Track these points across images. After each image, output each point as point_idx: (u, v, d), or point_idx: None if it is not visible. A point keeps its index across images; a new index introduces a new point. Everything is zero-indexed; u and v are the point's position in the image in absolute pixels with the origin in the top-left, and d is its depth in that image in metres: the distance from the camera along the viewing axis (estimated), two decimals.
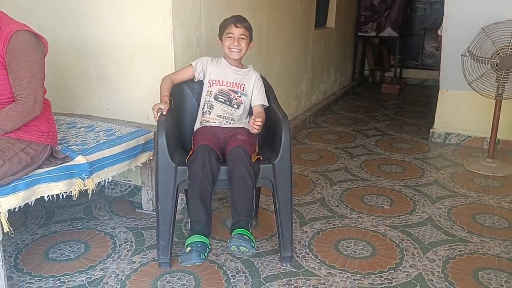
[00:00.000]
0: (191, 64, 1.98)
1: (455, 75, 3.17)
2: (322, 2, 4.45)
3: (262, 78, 2.07)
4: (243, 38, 1.92)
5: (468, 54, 2.90)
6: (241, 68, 2.01)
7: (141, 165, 2.15)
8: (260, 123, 1.77)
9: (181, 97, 2.02)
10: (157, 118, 1.76)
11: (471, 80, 2.96)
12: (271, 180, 1.77)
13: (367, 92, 5.68)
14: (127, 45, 2.20)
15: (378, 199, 2.53)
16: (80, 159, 1.76)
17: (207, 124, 1.95)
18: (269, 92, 2.06)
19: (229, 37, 1.91)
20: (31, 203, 1.63)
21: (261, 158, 1.79)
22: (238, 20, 1.94)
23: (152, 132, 2.11)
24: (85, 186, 1.78)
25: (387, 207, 2.43)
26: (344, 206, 2.43)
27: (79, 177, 1.77)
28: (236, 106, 1.93)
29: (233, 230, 1.70)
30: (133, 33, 2.17)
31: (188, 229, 1.77)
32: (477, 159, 3.18)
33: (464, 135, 3.55)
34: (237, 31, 1.91)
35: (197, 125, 1.99)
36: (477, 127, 3.46)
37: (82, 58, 2.35)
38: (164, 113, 1.77)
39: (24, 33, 1.53)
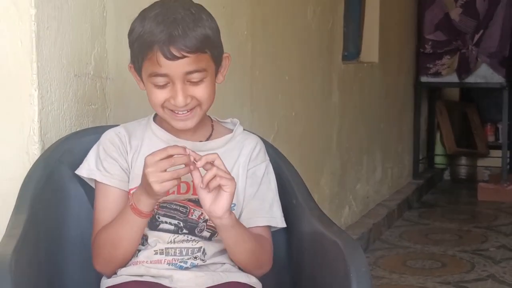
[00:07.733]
0: (101, 182, 1.79)
1: None
2: (351, 13, 4.63)
3: (272, 150, 1.97)
4: (197, 80, 1.70)
5: None
6: (211, 132, 1.86)
7: None
8: None
9: (60, 207, 1.89)
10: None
11: None
12: None
13: (447, 199, 5.95)
14: None
15: None
16: None
17: (138, 273, 1.74)
18: (287, 184, 1.94)
19: (157, 84, 1.70)
20: None
21: None
22: (173, 33, 1.63)
23: None
24: None
25: None
26: None
27: None
28: (206, 235, 1.79)
29: None
30: None
31: None
32: None
33: None
34: (175, 67, 1.66)
35: (106, 279, 1.79)
36: None
37: None
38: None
39: None
